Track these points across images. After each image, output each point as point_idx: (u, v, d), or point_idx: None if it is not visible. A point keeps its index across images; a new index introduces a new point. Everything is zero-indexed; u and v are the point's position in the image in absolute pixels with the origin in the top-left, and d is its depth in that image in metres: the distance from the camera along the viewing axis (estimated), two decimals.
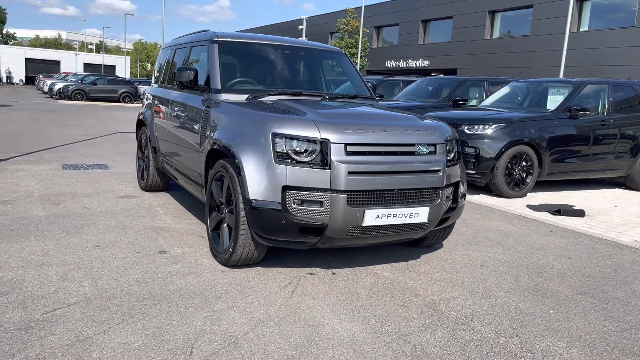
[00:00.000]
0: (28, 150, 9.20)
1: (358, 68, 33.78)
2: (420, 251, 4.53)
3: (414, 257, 4.37)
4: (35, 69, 63.86)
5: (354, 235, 3.54)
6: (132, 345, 2.64)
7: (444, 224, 4.02)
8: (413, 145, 3.68)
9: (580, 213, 6.39)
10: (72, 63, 68.86)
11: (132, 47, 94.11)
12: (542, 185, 8.12)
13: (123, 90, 32.05)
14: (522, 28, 29.97)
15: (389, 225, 3.57)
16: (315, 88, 5.17)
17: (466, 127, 7.34)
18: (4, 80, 61.72)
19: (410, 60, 37.02)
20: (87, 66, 69.38)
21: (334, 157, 3.42)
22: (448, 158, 3.85)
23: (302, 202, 3.42)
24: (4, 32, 79.91)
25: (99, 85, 31.72)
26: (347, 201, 3.41)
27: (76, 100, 30.21)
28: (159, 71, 6.57)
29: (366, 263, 4.13)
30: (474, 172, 7.17)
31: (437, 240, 4.48)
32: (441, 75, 25.96)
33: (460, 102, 9.88)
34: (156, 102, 6.09)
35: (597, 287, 3.91)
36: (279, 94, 4.50)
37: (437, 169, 3.71)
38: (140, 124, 6.62)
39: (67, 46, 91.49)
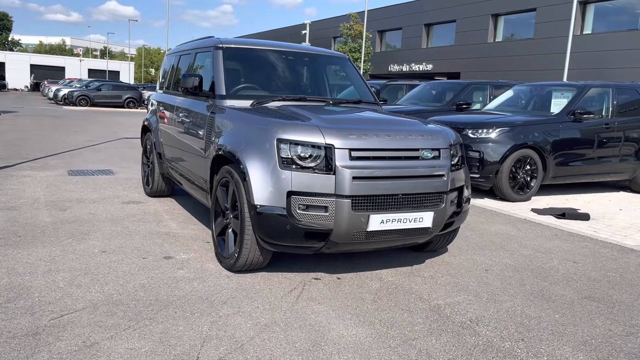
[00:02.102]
0: (34, 156, 9.26)
1: (361, 72, 33.83)
2: (425, 255, 4.54)
3: (418, 261, 4.38)
4: (40, 75, 64.15)
5: (358, 240, 3.55)
6: (139, 351, 2.66)
7: (448, 229, 4.02)
8: (417, 150, 3.70)
9: (585, 217, 6.38)
10: (76, 69, 69.20)
11: (136, 53, 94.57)
12: (546, 189, 8.11)
13: (127, 95, 32.21)
14: (525, 31, 29.96)
15: (393, 230, 3.58)
16: (319, 93, 5.19)
17: (470, 131, 7.35)
18: (15, 87, 61.37)
19: (413, 64, 37.04)
20: (91, 72, 69.66)
21: (338, 162, 3.43)
22: (452, 162, 3.86)
23: (307, 207, 3.44)
24: (9, 38, 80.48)
25: (103, 91, 31.88)
26: (352, 206, 3.43)
27: (81, 106, 30.37)
28: (163, 77, 6.61)
29: (371, 268, 4.14)
30: (478, 176, 7.17)
31: (441, 244, 4.48)
32: (445, 79, 26.00)
33: (463, 106, 9.88)
34: (161, 108, 6.12)
35: (603, 291, 3.90)
36: (283, 100, 4.53)
37: (441, 173, 3.72)
38: (145, 129, 6.66)
39: (72, 52, 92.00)
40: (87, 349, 2.65)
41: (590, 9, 27.00)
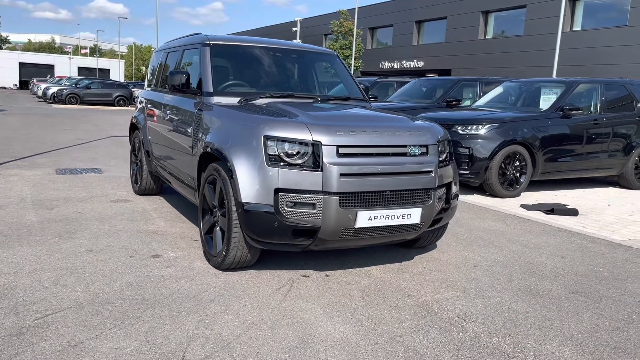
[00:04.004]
0: (21, 155, 9.17)
1: (352, 69, 33.54)
2: (413, 252, 4.54)
3: (407, 258, 4.38)
4: (29, 74, 63.52)
5: (346, 237, 3.54)
6: (124, 350, 2.63)
7: (436, 225, 4.02)
8: (405, 146, 3.69)
9: (573, 212, 6.41)
10: (66, 67, 68.63)
11: (126, 51, 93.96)
12: (535, 185, 8.15)
13: (117, 93, 31.98)
14: (515, 28, 30.07)
15: (381, 226, 3.58)
16: (307, 90, 5.16)
17: (459, 128, 7.36)
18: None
19: (404, 61, 37.08)
20: (81, 70, 69.16)
21: (325, 159, 3.42)
22: (440, 159, 3.86)
23: (295, 204, 3.42)
24: None
25: (93, 89, 31.63)
26: (340, 203, 3.41)
27: (70, 104, 30.12)
28: (151, 75, 6.56)
29: (359, 264, 4.13)
30: (467, 172, 7.18)
31: (430, 241, 4.48)
32: (435, 76, 26.03)
33: (453, 103, 9.90)
34: (149, 105, 6.08)
35: (590, 285, 3.92)
36: (271, 97, 4.50)
37: (429, 169, 3.71)
38: (134, 127, 6.61)
39: (61, 50, 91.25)
40: (72, 348, 2.62)
41: (580, 6, 27.14)
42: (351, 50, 36.80)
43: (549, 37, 24.92)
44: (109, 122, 18.43)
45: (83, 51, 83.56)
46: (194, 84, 4.71)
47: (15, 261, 3.83)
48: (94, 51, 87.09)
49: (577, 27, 27.24)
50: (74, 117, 20.29)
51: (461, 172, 7.05)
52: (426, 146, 3.78)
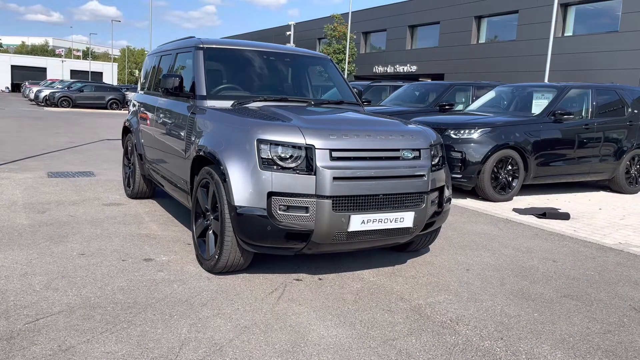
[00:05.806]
0: (12, 158, 9.11)
1: (346, 74, 33.64)
2: (406, 256, 4.54)
3: (400, 261, 4.39)
4: (22, 76, 63.08)
5: (339, 241, 3.55)
6: (115, 355, 2.62)
7: (429, 229, 4.03)
8: (397, 150, 3.70)
9: (565, 216, 6.45)
10: (58, 70, 68.25)
11: (119, 54, 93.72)
12: (527, 189, 8.19)
13: (110, 97, 31.85)
14: (508, 33, 30.29)
15: (374, 230, 3.58)
16: (301, 94, 5.17)
17: (452, 132, 7.39)
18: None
19: (398, 66, 37.21)
20: (74, 73, 68.73)
21: (319, 162, 3.43)
22: (433, 163, 3.87)
23: (288, 208, 3.42)
24: None
25: (86, 92, 31.47)
26: (333, 206, 3.42)
27: (63, 107, 29.97)
28: (144, 78, 6.54)
29: (352, 268, 4.14)
30: (460, 176, 7.21)
31: (423, 244, 4.49)
32: (428, 81, 26.13)
33: (446, 107, 9.94)
34: (142, 108, 6.06)
35: (581, 289, 3.94)
36: (265, 100, 4.51)
37: (421, 173, 3.73)
38: (126, 130, 6.58)
39: (54, 53, 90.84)
40: (62, 353, 2.61)
41: (571, 12, 27.38)
42: (345, 54, 36.89)
43: (541, 42, 25.11)
44: (101, 125, 18.36)
45: (77, 53, 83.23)
46: (187, 87, 4.71)
47: (6, 265, 3.80)
48: (87, 54, 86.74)
49: (568, 32, 27.47)
50: (66, 120, 20.19)
51: (454, 176, 7.08)
52: (419, 150, 3.79)
